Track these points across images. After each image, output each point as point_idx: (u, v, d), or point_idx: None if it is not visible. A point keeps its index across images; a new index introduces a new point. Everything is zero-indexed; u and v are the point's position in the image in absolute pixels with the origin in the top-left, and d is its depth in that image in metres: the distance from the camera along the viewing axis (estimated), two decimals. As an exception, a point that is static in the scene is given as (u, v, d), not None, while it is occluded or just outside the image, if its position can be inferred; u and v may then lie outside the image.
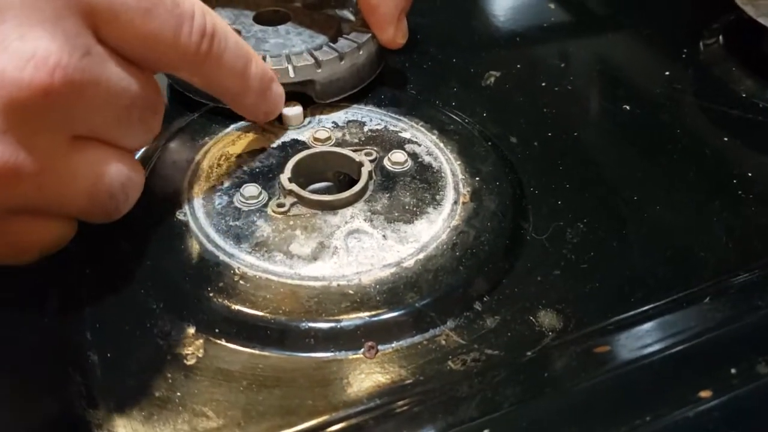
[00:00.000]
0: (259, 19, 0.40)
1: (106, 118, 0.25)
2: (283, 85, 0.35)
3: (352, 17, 0.42)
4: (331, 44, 0.37)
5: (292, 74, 0.36)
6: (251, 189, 0.32)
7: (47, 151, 0.24)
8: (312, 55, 0.36)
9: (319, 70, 0.36)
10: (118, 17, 0.24)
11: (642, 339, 0.28)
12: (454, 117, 0.38)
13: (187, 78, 0.29)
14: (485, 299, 0.29)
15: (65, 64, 0.22)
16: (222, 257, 0.29)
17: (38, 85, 0.22)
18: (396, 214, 0.31)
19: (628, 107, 0.41)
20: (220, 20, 0.28)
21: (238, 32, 0.38)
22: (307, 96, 0.37)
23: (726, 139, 0.39)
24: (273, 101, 0.34)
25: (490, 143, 0.37)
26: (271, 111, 0.34)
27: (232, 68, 0.30)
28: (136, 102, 0.26)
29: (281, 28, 0.40)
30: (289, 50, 0.37)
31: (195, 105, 0.37)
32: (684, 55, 0.46)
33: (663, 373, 0.27)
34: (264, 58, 0.35)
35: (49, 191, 0.24)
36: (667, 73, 0.44)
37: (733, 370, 0.26)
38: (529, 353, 0.27)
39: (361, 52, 0.37)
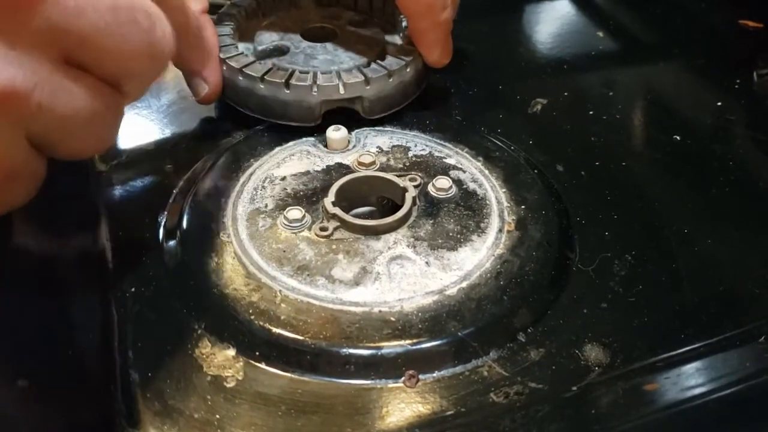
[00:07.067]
0: (306, 36, 0.41)
1: (61, 124, 0.25)
2: (333, 101, 0.36)
3: (397, 35, 0.42)
4: (380, 62, 0.38)
5: (342, 90, 0.36)
6: (295, 212, 0.32)
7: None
8: (362, 72, 0.37)
9: (368, 87, 0.37)
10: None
11: (693, 378, 0.27)
12: (500, 144, 0.38)
13: None
14: (529, 330, 0.29)
15: (8, 82, 0.23)
16: (264, 279, 0.29)
17: None
18: (439, 241, 0.31)
19: (678, 137, 0.40)
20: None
21: (287, 49, 0.40)
22: (352, 119, 0.37)
23: (780, 171, 0.38)
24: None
25: (536, 171, 0.36)
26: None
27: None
28: (80, 110, 0.25)
29: (329, 44, 0.40)
30: (338, 67, 0.38)
31: (242, 123, 0.38)
32: (737, 86, 0.45)
33: (715, 415, 0.26)
34: (315, 75, 0.36)
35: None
36: (719, 103, 0.43)
37: (790, 414, 0.25)
38: (574, 388, 0.27)
39: (408, 70, 0.38)
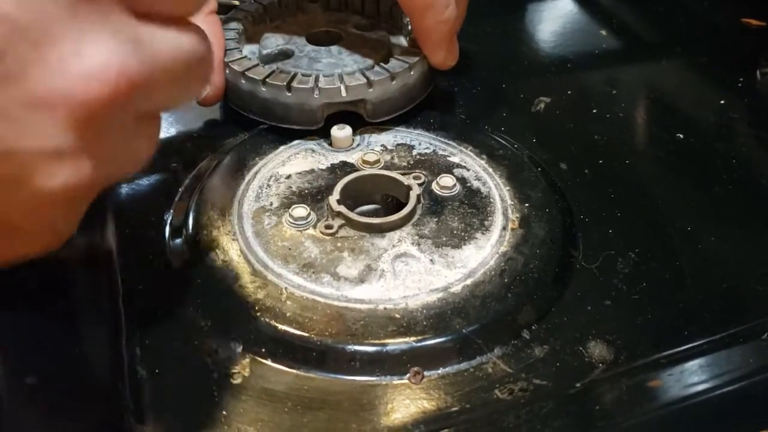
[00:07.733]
0: (311, 40, 0.41)
1: (171, 90, 0.25)
2: (335, 104, 0.36)
3: (403, 39, 0.42)
4: (383, 65, 0.38)
5: (344, 93, 0.36)
6: (300, 210, 0.32)
7: (116, 141, 0.24)
8: (364, 75, 0.36)
9: (371, 90, 0.36)
10: None
11: (696, 374, 0.27)
12: (504, 142, 0.38)
13: None
14: (533, 327, 0.29)
15: (125, 69, 0.22)
16: (270, 277, 0.29)
17: (108, 99, 0.22)
18: (444, 239, 0.31)
19: (681, 136, 0.40)
20: None
21: (292, 52, 0.40)
22: (357, 118, 0.37)
23: (783, 169, 0.38)
24: None
25: (539, 169, 0.36)
26: None
27: None
28: (190, 61, 0.26)
29: (333, 48, 0.40)
30: (341, 70, 0.38)
31: (247, 125, 0.38)
32: (739, 84, 0.45)
33: (719, 411, 0.26)
34: (317, 77, 0.36)
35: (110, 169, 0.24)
36: (722, 101, 0.43)
37: (793, 410, 0.25)
38: (578, 385, 0.27)
39: (412, 73, 0.38)
